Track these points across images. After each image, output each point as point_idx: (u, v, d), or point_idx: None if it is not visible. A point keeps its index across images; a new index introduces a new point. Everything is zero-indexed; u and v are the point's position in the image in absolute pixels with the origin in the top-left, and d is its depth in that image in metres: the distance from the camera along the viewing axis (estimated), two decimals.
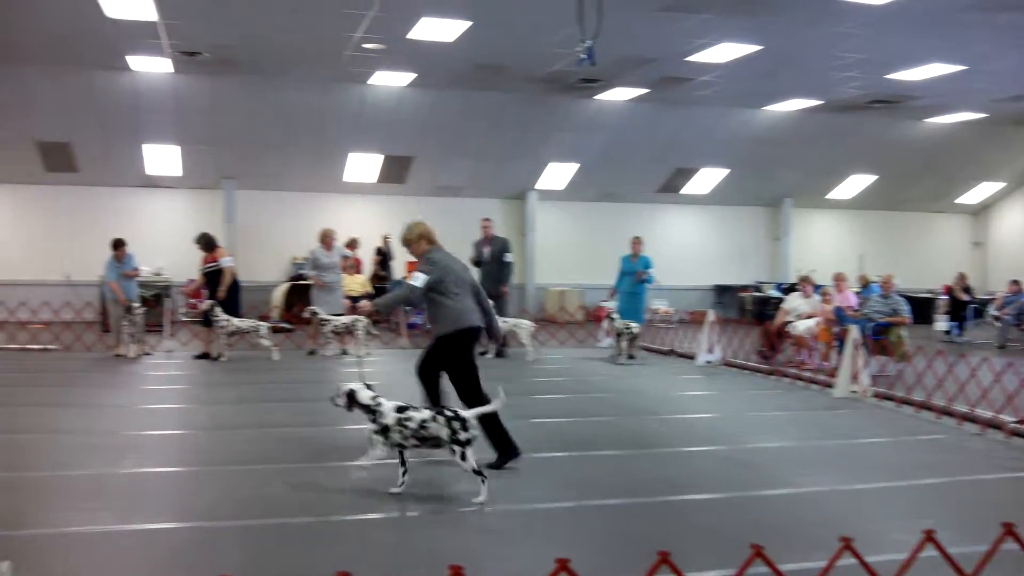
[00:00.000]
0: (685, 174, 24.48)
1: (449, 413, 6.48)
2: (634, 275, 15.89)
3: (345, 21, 14.42)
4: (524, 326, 14.79)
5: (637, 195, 24.84)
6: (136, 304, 14.64)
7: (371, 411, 6.65)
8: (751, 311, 23.61)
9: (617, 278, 16.15)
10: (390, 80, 18.83)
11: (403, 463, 6.57)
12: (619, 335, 14.71)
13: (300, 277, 19.69)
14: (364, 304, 7.98)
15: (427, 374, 7.72)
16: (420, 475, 6.81)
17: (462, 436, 6.34)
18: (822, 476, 7.27)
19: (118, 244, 14.85)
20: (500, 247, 15.39)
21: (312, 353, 15.10)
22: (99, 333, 16.40)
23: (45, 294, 18.04)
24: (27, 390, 11.24)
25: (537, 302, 23.96)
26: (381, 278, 20.10)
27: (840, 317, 13.76)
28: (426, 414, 6.54)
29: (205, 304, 14.25)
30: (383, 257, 20.48)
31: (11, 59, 17.15)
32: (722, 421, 9.75)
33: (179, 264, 19.97)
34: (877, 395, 10.99)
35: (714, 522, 5.98)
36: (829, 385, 11.63)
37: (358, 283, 17.55)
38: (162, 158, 21.10)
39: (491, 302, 8.38)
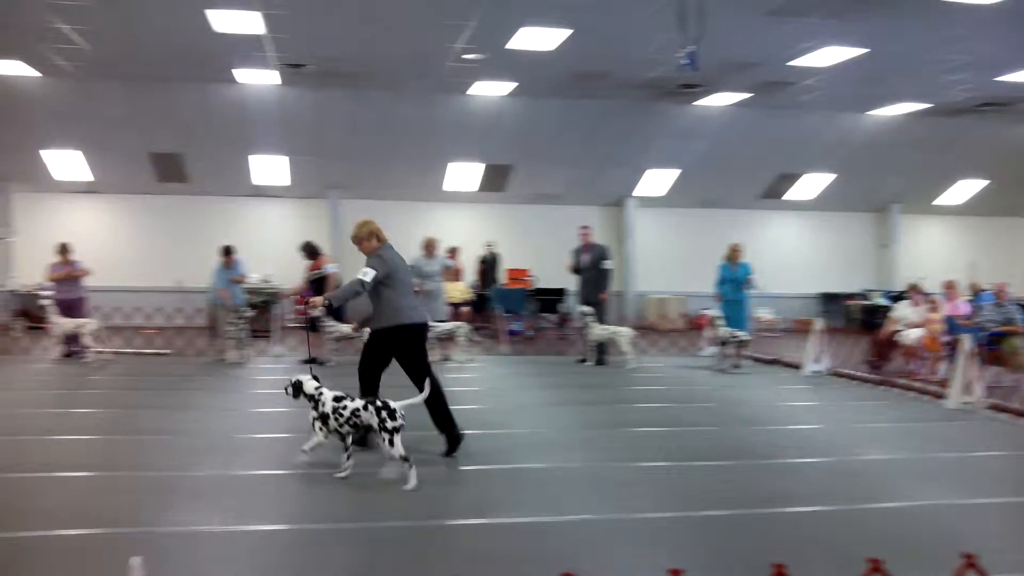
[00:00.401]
0: (788, 180, 24.03)
1: (379, 403, 7.04)
2: (734, 283, 15.63)
3: (446, 32, 14.59)
4: (624, 334, 14.70)
5: (739, 201, 24.49)
6: (244, 309, 15.04)
7: (313, 400, 7.34)
8: (858, 320, 23.04)
9: (716, 285, 15.91)
10: (490, 90, 18.98)
11: (347, 449, 7.19)
12: (724, 343, 14.51)
13: None
14: (315, 299, 8.24)
15: (362, 366, 8.15)
16: (506, 484, 6.82)
17: (389, 424, 6.90)
18: (937, 489, 7.04)
19: (227, 251, 15.30)
20: (599, 254, 15.33)
21: None
22: (209, 338, 16.89)
23: (158, 300, 18.68)
24: (144, 393, 11.61)
25: (637, 310, 23.82)
26: (485, 285, 20.27)
27: (951, 326, 13.34)
28: (358, 403, 7.17)
29: (319, 308, 14.50)
30: (487, 265, 20.63)
31: (127, 76, 17.87)
32: (831, 432, 9.53)
33: (286, 271, 20.41)
34: (992, 407, 10.62)
35: (826, 535, 5.85)
36: (941, 396, 11.29)
37: (459, 290, 17.73)
38: (270, 168, 21.65)
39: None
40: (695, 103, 20.20)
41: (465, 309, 17.53)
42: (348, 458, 7.14)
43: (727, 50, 15.31)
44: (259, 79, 18.07)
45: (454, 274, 18.12)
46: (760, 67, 16.75)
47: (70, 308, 15.03)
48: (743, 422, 9.99)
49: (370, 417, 7.04)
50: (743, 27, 14.13)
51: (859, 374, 13.71)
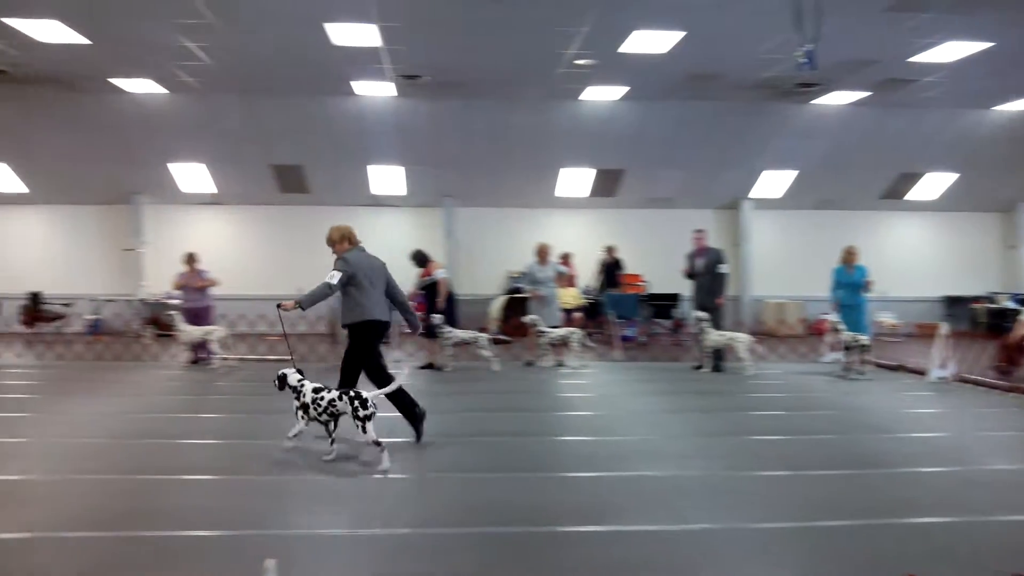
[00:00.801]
0: (910, 179, 23.31)
1: (352, 394, 7.85)
2: (850, 287, 15.23)
3: (558, 39, 14.65)
4: (741, 340, 14.49)
5: (858, 202, 23.87)
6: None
7: (295, 391, 8.24)
8: (985, 324, 22.19)
9: (831, 290, 15.54)
10: (602, 95, 18.97)
11: (330, 435, 8.13)
12: (848, 348, 14.16)
13: (516, 290, 20.10)
14: (287, 302, 8.80)
15: (344, 360, 8.95)
16: (623, 491, 6.79)
17: (361, 412, 7.71)
18: None
19: None
20: (714, 258, 15.14)
21: (530, 364, 15.37)
22: (330, 344, 17.30)
23: None
24: (267, 398, 11.95)
25: (754, 315, 23.44)
26: (606, 289, 20.22)
27: None
28: (334, 394, 7.98)
29: (432, 319, 14.81)
30: (609, 269, 20.59)
31: (249, 90, 18.51)
32: (957, 440, 9.21)
33: (403, 279, 20.74)
34: None
35: (956, 546, 5.67)
36: None
37: (571, 295, 17.76)
38: (387, 178, 22.08)
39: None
40: (812, 102, 19.79)
41: (577, 315, 17.54)
42: (332, 443, 8.13)
43: (845, 48, 14.97)
44: (376, 91, 18.46)
45: (567, 280, 18.15)
46: (879, 64, 16.32)
47: (197, 316, 15.64)
48: (866, 430, 9.74)
49: (344, 406, 7.88)
50: (862, 24, 13.80)
51: (986, 380, 13.20)
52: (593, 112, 19.97)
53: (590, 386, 13.12)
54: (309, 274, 20.59)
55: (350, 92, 18.65)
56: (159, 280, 22.31)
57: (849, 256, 15.32)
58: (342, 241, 9.08)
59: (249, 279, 21.57)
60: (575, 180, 22.59)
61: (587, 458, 8.13)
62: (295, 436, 8.29)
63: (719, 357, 14.70)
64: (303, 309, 8.87)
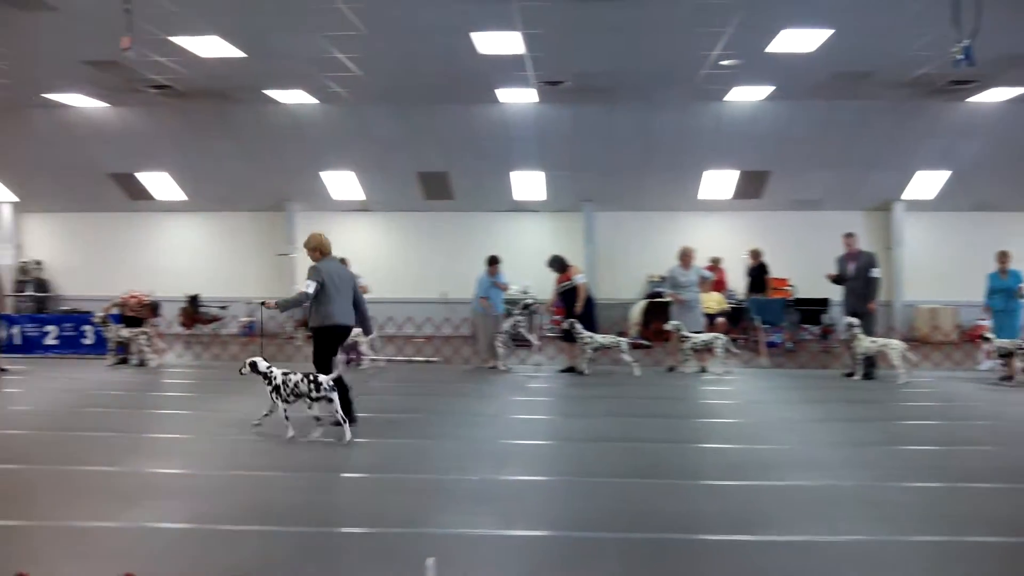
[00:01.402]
0: None
1: (311, 377, 9.22)
2: (1005, 292, 14.57)
3: (703, 40, 14.50)
4: (894, 347, 14.01)
5: (1018, 204, 22.71)
6: (517, 319, 15.57)
7: (266, 376, 9.38)
8: None
9: (986, 295, 14.89)
10: (746, 95, 18.66)
11: (287, 418, 9.25)
12: (1009, 355, 13.55)
13: (657, 295, 19.96)
14: (269, 302, 10.30)
15: (314, 357, 9.97)
16: (772, 500, 6.68)
17: (313, 394, 9.18)
18: None
19: (492, 260, 15.92)
20: (866, 262, 14.70)
21: (671, 370, 15.25)
22: (474, 347, 17.58)
23: (427, 310, 19.62)
24: (413, 398, 12.27)
25: (906, 321, 22.59)
26: (754, 293, 19.89)
27: None
28: (299, 376, 9.23)
29: (567, 323, 14.91)
30: (754, 273, 20.24)
31: (396, 99, 19.00)
32: None
33: (544, 283, 20.96)
34: None
35: None
36: None
37: (714, 300, 17.53)
38: (528, 184, 22.28)
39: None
40: (967, 100, 18.96)
41: (721, 320, 17.29)
42: (317, 420, 9.29)
43: (1005, 42, 14.29)
44: (519, 98, 18.67)
45: (714, 285, 17.94)
46: None
47: None
48: None
49: (304, 387, 9.19)
50: (1022, 15, 13.16)
51: None
52: (738, 113, 19.65)
53: (735, 393, 12.93)
54: (453, 278, 21.14)
55: (494, 99, 18.90)
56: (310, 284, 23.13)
57: (1003, 260, 14.73)
58: (313, 251, 10.23)
59: (396, 283, 22.02)
60: (719, 182, 22.25)
61: (734, 466, 8.05)
62: (263, 418, 9.50)
63: (871, 364, 14.27)
64: (281, 311, 10.86)
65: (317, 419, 9.20)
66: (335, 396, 9.17)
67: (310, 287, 9.85)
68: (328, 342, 10.00)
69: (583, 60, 15.85)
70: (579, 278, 15.36)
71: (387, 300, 18.83)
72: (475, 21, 13.37)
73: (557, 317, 18.60)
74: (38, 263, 24.76)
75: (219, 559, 5.61)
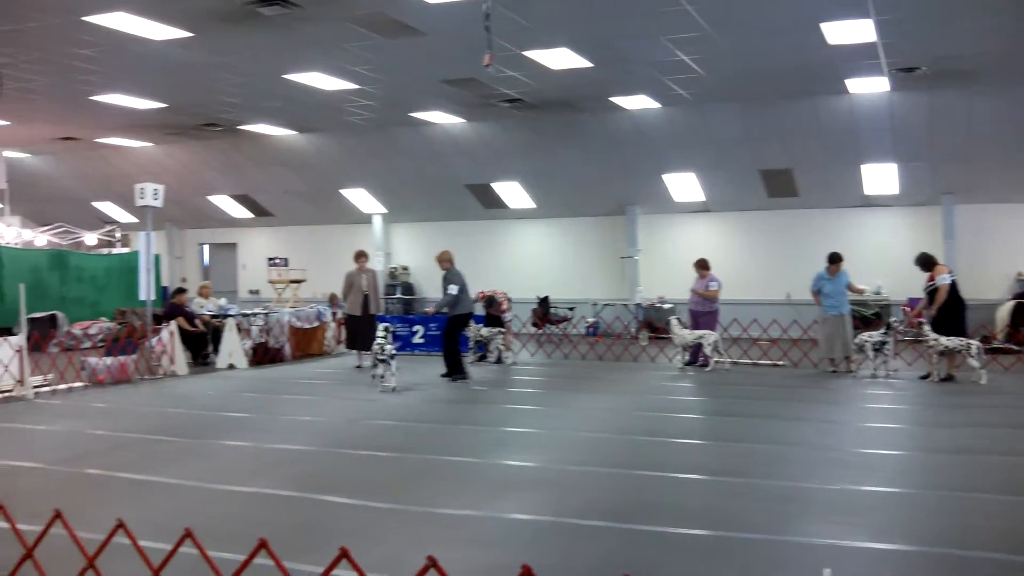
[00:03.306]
0: None
1: (386, 348, 13.27)
2: None
3: None
4: None
5: None
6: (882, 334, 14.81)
7: (382, 348, 13.35)
8: None
9: None
10: None
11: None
12: None
13: None
14: (429, 308, 15.79)
15: (444, 338, 14.71)
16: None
17: (379, 357, 13.33)
18: None
19: (833, 258, 15.30)
20: None
21: None
22: (827, 350, 16.95)
23: (773, 312, 19.20)
24: (760, 403, 12.04)
25: None
26: None
27: None
28: (388, 348, 13.31)
29: (924, 322, 14.03)
30: None
31: (739, 97, 18.75)
32: None
33: (897, 283, 19.87)
34: None
35: None
36: None
37: None
38: (878, 177, 21.15)
39: None
40: None
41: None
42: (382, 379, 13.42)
43: None
44: (869, 87, 17.78)
45: None
46: None
47: (701, 320, 16.19)
48: None
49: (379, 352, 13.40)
50: None
51: None
52: None
53: None
54: (797, 278, 20.45)
55: (842, 91, 18.12)
56: (652, 285, 23.41)
57: None
58: (447, 262, 14.61)
59: (738, 284, 21.70)
60: None
61: None
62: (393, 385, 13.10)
63: None
64: (438, 312, 14.78)
65: (393, 390, 13.02)
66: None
67: (454, 289, 14.11)
68: (461, 325, 14.77)
69: (940, 44, 14.78)
70: (942, 279, 14.30)
71: (731, 302, 18.61)
72: (826, 11, 12.91)
73: (916, 320, 17.53)
74: (405, 268, 27.02)
75: (554, 551, 5.78)
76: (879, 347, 14.54)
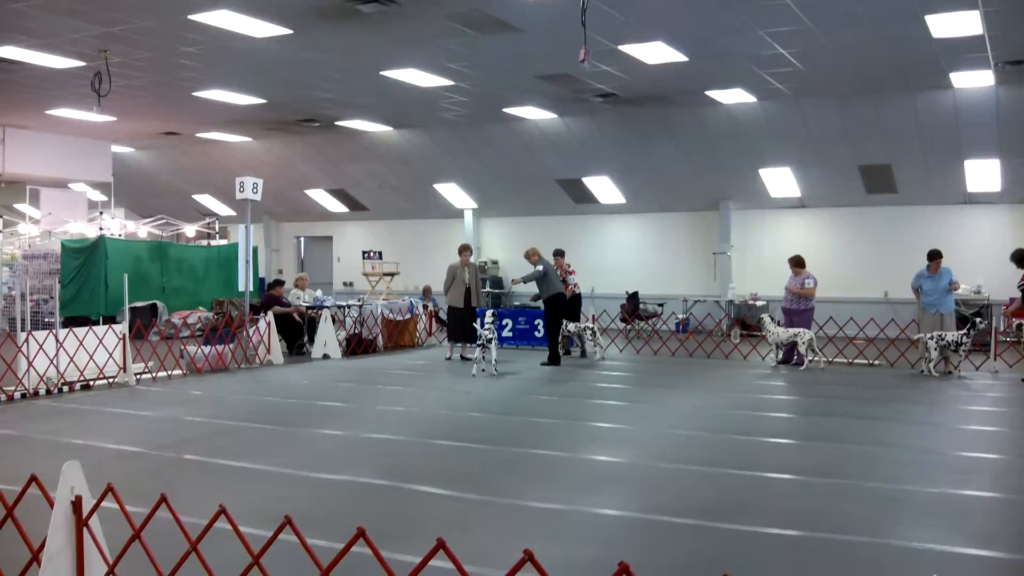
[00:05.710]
0: None
1: (486, 334, 14.53)
2: None
3: None
4: None
5: None
6: (979, 319, 14.45)
7: (481, 335, 14.47)
8: None
9: None
10: None
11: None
12: None
13: None
14: (516, 278, 16.89)
15: (547, 322, 16.15)
16: None
17: (477, 341, 14.79)
18: None
19: (933, 255, 14.95)
20: None
21: None
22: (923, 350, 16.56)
23: (869, 311, 18.80)
24: (856, 403, 11.81)
25: None
26: None
27: None
28: (486, 334, 14.52)
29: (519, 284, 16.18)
30: None
31: (837, 92, 18.37)
32: None
33: (1000, 282, 19.23)
34: None
35: None
36: None
37: None
38: (981, 173, 20.51)
39: None
40: None
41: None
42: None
43: None
44: (973, 81, 17.25)
45: None
46: None
47: (796, 318, 15.94)
48: None
49: (487, 335, 14.48)
50: None
51: None
52: None
53: None
54: (895, 276, 20.00)
55: (945, 85, 17.61)
56: (745, 282, 23.12)
57: None
58: (535, 255, 16.02)
59: (835, 281, 21.26)
60: None
61: None
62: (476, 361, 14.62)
63: None
64: (525, 283, 16.33)
65: (471, 360, 15.14)
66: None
67: (540, 267, 15.78)
68: (558, 307, 15.95)
69: None
70: None
71: (827, 300, 18.28)
72: (931, 3, 12.58)
73: (1018, 320, 17.00)
74: (494, 262, 27.16)
75: (675, 552, 5.78)
76: (955, 347, 14.18)
